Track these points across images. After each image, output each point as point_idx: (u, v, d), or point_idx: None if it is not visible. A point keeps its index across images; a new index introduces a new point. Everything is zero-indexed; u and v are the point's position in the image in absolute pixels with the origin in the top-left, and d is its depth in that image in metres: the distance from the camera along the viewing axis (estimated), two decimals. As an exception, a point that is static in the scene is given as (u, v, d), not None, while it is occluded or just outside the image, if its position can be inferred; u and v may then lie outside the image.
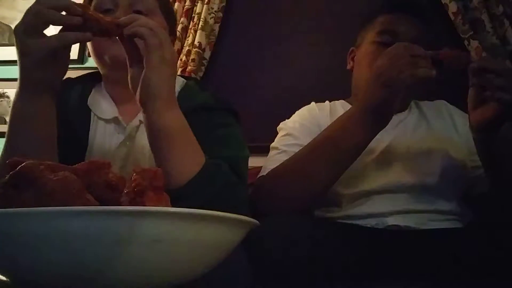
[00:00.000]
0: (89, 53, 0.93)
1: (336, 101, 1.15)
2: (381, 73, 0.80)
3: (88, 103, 0.84)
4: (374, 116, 0.83)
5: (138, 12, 0.83)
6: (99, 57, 0.84)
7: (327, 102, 1.15)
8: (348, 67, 1.17)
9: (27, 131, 0.67)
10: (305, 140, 1.00)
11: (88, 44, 0.87)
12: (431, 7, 1.80)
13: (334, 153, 0.85)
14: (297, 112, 1.13)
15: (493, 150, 0.87)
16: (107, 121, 0.83)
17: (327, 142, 0.86)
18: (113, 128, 0.83)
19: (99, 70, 0.88)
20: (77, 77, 0.93)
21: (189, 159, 0.68)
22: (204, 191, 0.66)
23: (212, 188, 0.67)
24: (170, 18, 0.94)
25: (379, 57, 0.84)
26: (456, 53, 0.83)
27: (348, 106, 1.10)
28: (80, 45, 2.02)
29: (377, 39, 1.06)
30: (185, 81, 0.93)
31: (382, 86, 0.80)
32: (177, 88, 0.89)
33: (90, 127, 0.82)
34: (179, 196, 0.57)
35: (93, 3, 0.85)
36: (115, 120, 0.83)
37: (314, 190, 0.87)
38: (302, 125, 1.06)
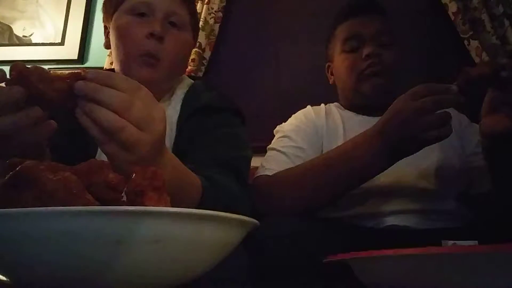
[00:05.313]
0: (107, 46, 0.90)
1: (331, 104, 1.17)
2: (404, 121, 0.73)
3: None
4: (394, 155, 0.80)
5: (172, 24, 0.83)
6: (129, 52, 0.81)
7: (322, 105, 1.17)
8: (331, 82, 1.20)
9: None
10: (302, 143, 1.02)
11: (112, 34, 0.85)
12: (431, 7, 1.81)
13: (344, 174, 0.84)
14: (293, 116, 1.14)
15: (501, 157, 0.85)
16: None
17: (339, 162, 0.85)
18: None
19: (116, 63, 0.86)
20: None
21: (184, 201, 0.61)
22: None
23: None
24: (196, 33, 0.96)
25: (400, 97, 0.77)
26: (476, 72, 0.74)
27: (342, 109, 1.13)
28: (80, 44, 2.03)
29: (344, 48, 1.09)
30: (192, 81, 0.94)
31: (406, 139, 0.75)
32: (184, 88, 0.89)
33: None
34: None
35: (126, 5, 0.84)
36: None
37: (320, 201, 0.88)
38: (299, 127, 1.07)
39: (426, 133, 0.72)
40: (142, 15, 0.82)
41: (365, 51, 1.03)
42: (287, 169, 0.93)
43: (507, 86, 0.75)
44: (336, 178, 0.84)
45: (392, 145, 0.78)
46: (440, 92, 0.72)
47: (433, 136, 0.73)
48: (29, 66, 0.45)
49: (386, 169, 0.82)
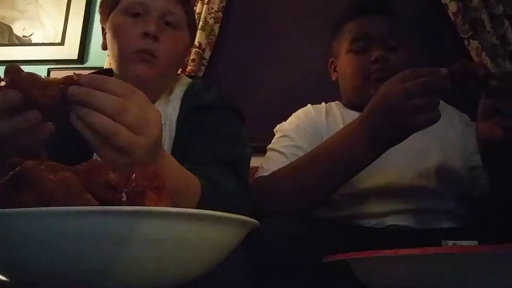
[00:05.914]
0: (104, 47, 0.91)
1: (331, 102, 1.16)
2: (391, 105, 0.72)
3: None
4: (382, 143, 0.79)
5: (168, 23, 0.83)
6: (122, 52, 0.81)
7: (323, 103, 1.16)
8: (333, 78, 1.19)
9: None
10: (302, 142, 1.01)
11: (108, 34, 0.85)
12: (431, 7, 1.81)
13: (335, 165, 0.83)
14: (293, 115, 1.13)
15: (496, 160, 0.84)
16: None
17: (328, 154, 0.84)
18: None
19: (112, 63, 0.86)
20: None
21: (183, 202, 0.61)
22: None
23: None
24: (193, 32, 0.95)
25: (387, 81, 0.75)
26: (472, 67, 0.74)
27: (342, 107, 1.12)
28: (80, 44, 2.03)
29: (352, 48, 1.07)
30: (190, 80, 0.94)
31: (393, 125, 0.73)
32: (183, 87, 0.89)
33: None
34: None
35: (121, 6, 0.84)
36: None
37: (315, 197, 0.87)
38: (298, 126, 1.07)
39: (414, 118, 0.70)
40: (137, 15, 0.82)
41: (374, 54, 1.02)
42: (284, 166, 0.93)
43: (495, 95, 0.73)
44: (331, 169, 0.83)
45: (378, 133, 0.76)
46: (428, 75, 0.71)
47: (422, 121, 0.70)
48: (25, 71, 0.45)
49: (376, 158, 0.81)
